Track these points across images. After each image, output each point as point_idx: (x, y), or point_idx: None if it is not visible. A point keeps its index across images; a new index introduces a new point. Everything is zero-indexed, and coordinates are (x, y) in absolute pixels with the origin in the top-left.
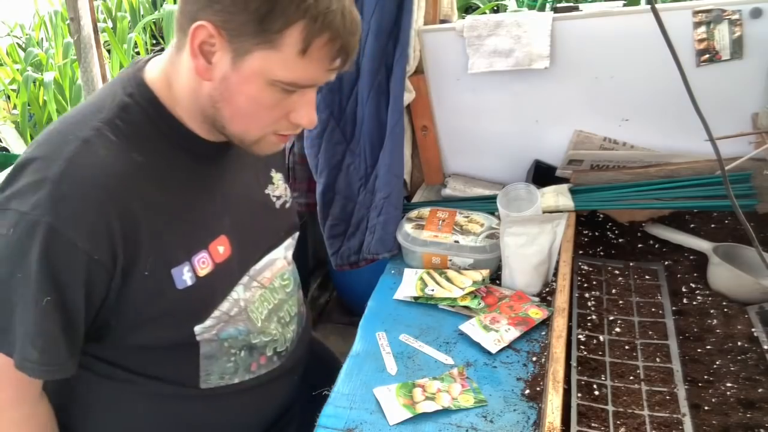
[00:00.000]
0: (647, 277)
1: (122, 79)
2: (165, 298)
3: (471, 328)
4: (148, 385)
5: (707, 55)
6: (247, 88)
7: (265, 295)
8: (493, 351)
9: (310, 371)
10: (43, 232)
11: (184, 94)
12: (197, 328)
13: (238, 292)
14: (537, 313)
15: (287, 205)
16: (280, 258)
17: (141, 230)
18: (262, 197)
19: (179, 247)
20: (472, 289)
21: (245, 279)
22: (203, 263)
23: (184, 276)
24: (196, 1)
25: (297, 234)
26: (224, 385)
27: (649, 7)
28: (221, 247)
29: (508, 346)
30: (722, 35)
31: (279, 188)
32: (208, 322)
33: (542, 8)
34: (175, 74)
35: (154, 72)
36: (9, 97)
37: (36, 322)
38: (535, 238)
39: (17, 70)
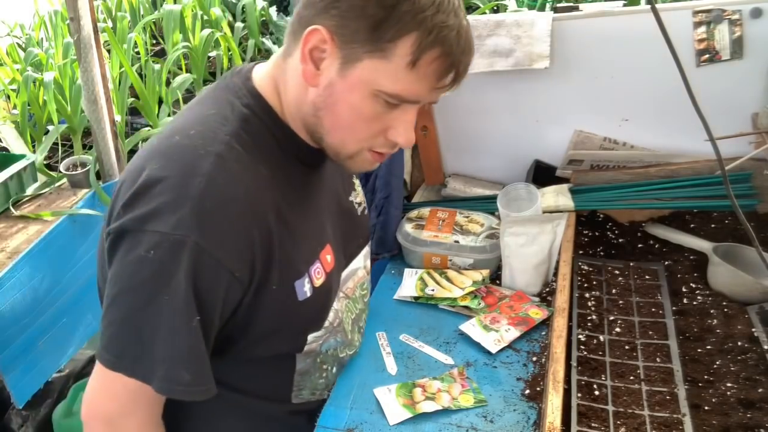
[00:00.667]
0: (647, 277)
1: (232, 88)
2: (287, 311)
3: (471, 328)
4: (241, 400)
5: (707, 55)
6: (350, 96)
7: (349, 306)
8: (493, 351)
9: None
10: (189, 252)
11: (290, 101)
12: (310, 338)
13: (334, 303)
14: (537, 313)
15: (365, 212)
16: (361, 267)
17: (275, 244)
18: (347, 204)
19: (301, 258)
20: (472, 289)
21: None
22: (318, 273)
23: (305, 287)
24: (314, 5)
25: (370, 242)
26: (314, 400)
27: (649, 7)
28: (329, 256)
29: (508, 346)
30: (722, 35)
31: (359, 195)
32: (320, 332)
33: (542, 8)
34: (283, 80)
35: (262, 79)
36: (9, 97)
37: (187, 344)
38: (535, 238)
39: (17, 70)
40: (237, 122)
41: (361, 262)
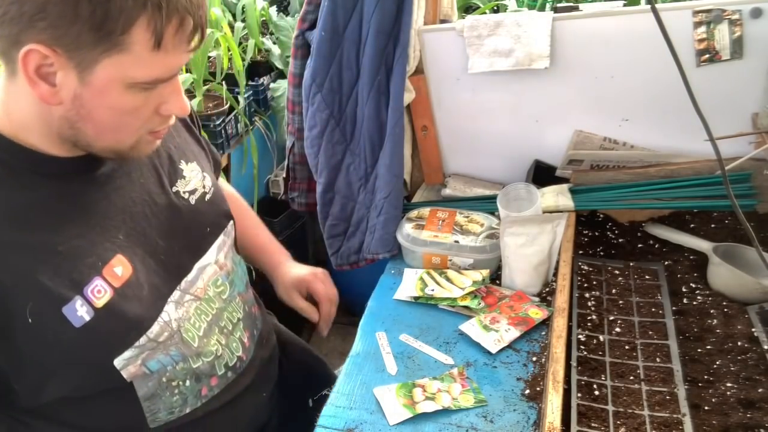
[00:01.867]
0: (647, 277)
1: None
2: (65, 342)
3: (471, 328)
4: None
5: (707, 55)
6: (104, 100)
7: (201, 307)
8: (493, 351)
9: (292, 381)
10: None
11: (31, 120)
12: (118, 362)
13: (169, 313)
14: (537, 313)
15: (208, 197)
16: (211, 263)
17: (4, 283)
18: (166, 199)
19: (63, 283)
20: (472, 289)
21: (176, 294)
22: (98, 292)
23: (79, 312)
24: (15, 23)
25: (230, 228)
26: (175, 418)
27: (649, 7)
28: (119, 268)
29: (508, 346)
30: (722, 35)
31: (193, 180)
32: (127, 353)
33: (542, 8)
34: (14, 102)
35: None
36: None
37: None
38: (535, 238)
39: None
40: None
41: (213, 257)
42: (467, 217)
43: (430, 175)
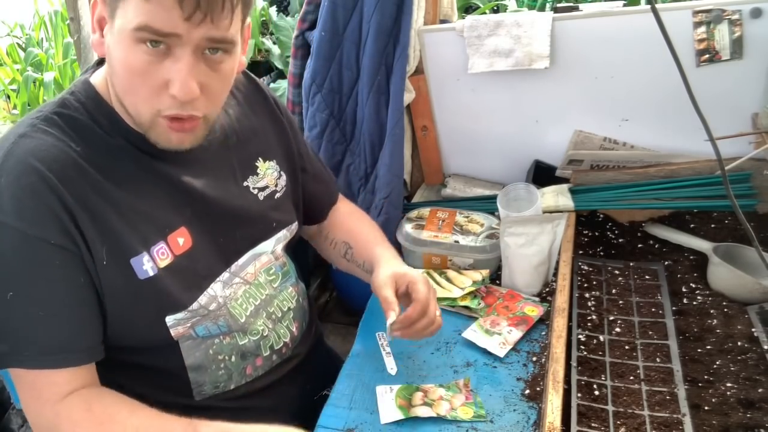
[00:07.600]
0: (647, 277)
1: (72, 83)
2: (129, 290)
3: (474, 334)
4: (150, 404)
5: (707, 55)
6: (119, 50)
7: (249, 291)
8: (501, 354)
9: (314, 373)
10: None
11: (113, 92)
12: (169, 320)
13: (215, 290)
14: (533, 311)
15: (277, 196)
16: (267, 252)
17: (85, 217)
18: (236, 191)
19: (134, 237)
20: (472, 289)
21: (225, 276)
22: (162, 254)
23: (145, 266)
24: None
25: (293, 227)
26: (220, 392)
27: (649, 7)
28: (181, 239)
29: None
30: (722, 35)
31: (266, 178)
32: (180, 314)
33: (542, 8)
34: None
35: (100, 73)
36: (9, 97)
37: (4, 318)
38: (535, 238)
39: (17, 70)
40: (53, 106)
41: (269, 246)
42: (467, 217)
43: (430, 175)
